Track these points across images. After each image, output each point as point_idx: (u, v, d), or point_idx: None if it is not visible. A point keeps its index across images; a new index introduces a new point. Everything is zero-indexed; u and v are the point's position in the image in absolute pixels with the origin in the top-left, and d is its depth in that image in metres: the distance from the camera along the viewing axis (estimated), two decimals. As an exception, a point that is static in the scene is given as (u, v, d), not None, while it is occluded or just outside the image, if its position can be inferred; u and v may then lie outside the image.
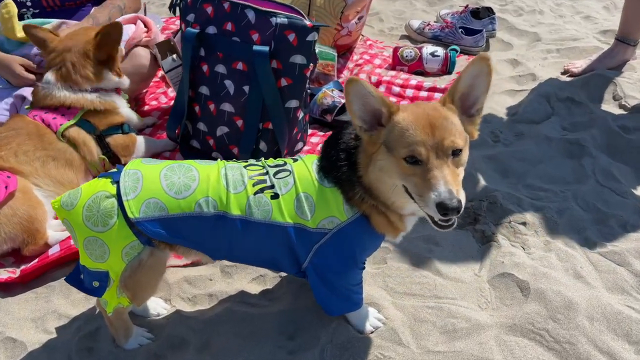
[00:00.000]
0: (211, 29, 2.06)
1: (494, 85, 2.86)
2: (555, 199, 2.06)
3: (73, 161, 2.01)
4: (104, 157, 2.10)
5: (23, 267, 1.77)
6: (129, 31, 2.43)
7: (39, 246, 1.80)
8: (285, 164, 1.40)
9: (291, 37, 1.91)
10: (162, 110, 2.66)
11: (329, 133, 2.43)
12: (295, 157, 1.44)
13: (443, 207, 1.10)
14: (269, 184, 1.35)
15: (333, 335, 1.52)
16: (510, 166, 2.26)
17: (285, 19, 1.90)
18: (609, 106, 2.70)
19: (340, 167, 1.30)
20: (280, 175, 1.36)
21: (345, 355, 1.48)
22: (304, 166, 1.38)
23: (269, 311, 1.61)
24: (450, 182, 1.12)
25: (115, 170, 1.36)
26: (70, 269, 1.76)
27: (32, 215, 1.78)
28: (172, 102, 2.73)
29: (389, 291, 1.68)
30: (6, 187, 1.77)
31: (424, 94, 2.71)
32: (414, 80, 2.80)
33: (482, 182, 2.16)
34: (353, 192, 1.29)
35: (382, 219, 1.32)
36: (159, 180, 1.31)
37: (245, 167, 1.39)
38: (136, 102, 2.65)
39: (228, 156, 2.16)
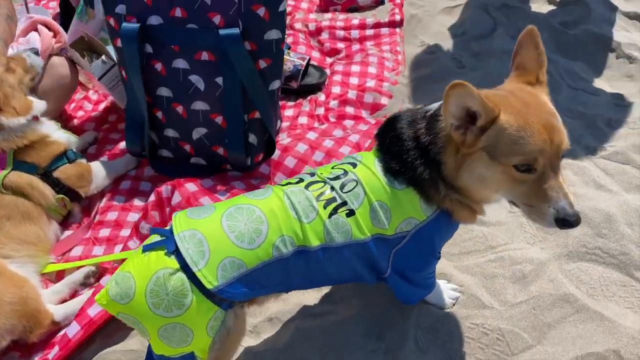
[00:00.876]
0: (154, 19, 1.72)
1: (431, 6, 2.79)
2: (542, 114, 2.11)
3: (29, 212, 1.66)
4: (61, 196, 1.76)
5: None
6: (35, 42, 1.98)
7: (46, 327, 1.50)
8: (345, 172, 1.24)
9: (261, 11, 1.65)
10: (95, 120, 2.27)
11: (300, 102, 2.24)
12: (351, 161, 1.27)
13: (565, 224, 1.04)
14: (339, 201, 1.19)
15: (419, 322, 1.48)
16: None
17: (249, -8, 1.63)
18: (538, 5, 2.77)
19: (416, 167, 1.17)
20: (347, 187, 1.20)
21: (439, 337, 1.45)
22: (368, 170, 1.22)
23: (342, 318, 1.51)
24: (568, 194, 1.05)
25: (158, 237, 1.11)
26: (98, 344, 1.50)
27: (22, 296, 1.46)
28: (101, 107, 2.35)
29: (446, 256, 1.65)
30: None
31: (370, 32, 2.57)
32: (355, 19, 2.64)
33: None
34: (434, 191, 1.17)
35: (467, 211, 1.22)
36: (225, 235, 1.10)
37: (306, 187, 1.21)
38: (61, 119, 2.22)
39: (212, 159, 1.91)
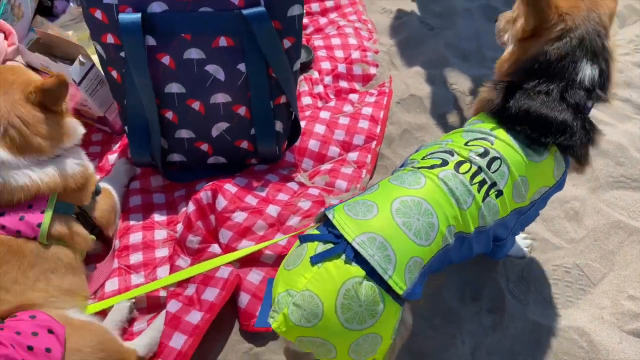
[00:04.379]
0: (156, 6, 1.50)
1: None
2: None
3: (71, 262, 1.38)
4: (93, 237, 1.50)
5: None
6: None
7: None
8: (486, 150, 1.17)
9: (284, -15, 1.52)
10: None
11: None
12: (482, 136, 1.20)
13: None
14: (489, 182, 1.14)
15: (508, 276, 1.51)
16: (463, 47, 2.33)
17: (268, -36, 1.49)
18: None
19: (575, 132, 1.16)
20: (494, 167, 1.15)
21: (531, 284, 1.50)
22: (506, 145, 1.18)
23: (433, 289, 1.49)
24: None
25: (330, 244, 0.99)
26: None
27: (100, 340, 1.22)
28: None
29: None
30: (50, 331, 1.16)
31: (330, 3, 2.50)
32: None
33: (458, 73, 2.19)
34: (586, 154, 1.20)
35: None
36: (404, 235, 1.01)
37: (455, 169, 1.14)
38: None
39: (235, 155, 1.74)
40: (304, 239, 1.02)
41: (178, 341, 1.30)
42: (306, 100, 2.02)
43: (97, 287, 1.50)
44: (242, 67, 1.59)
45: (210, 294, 1.38)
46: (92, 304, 1.44)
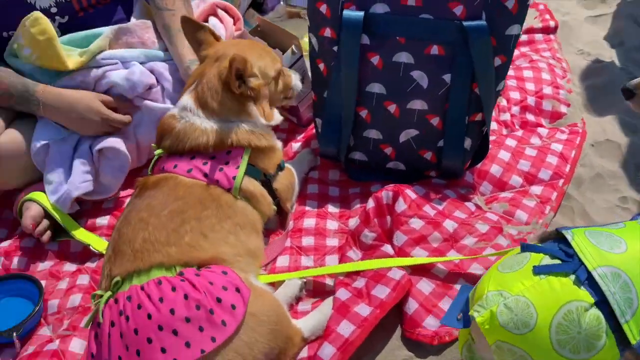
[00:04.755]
0: (379, 8, 1.56)
1: (576, 14, 2.67)
2: None
3: (255, 223, 1.46)
4: (274, 206, 1.57)
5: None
6: (220, 30, 1.80)
7: (297, 346, 1.30)
8: None
9: (510, 3, 1.50)
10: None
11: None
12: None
13: None
14: None
15: None
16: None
17: (502, -20, 1.48)
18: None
19: None
20: None
21: None
22: None
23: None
24: None
25: (558, 260, 0.93)
26: None
27: (276, 313, 1.26)
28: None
29: None
30: (238, 290, 1.22)
31: (524, 37, 2.44)
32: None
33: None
34: None
35: None
36: None
37: None
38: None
39: (415, 164, 1.74)
40: (528, 247, 0.97)
41: (346, 329, 1.29)
42: (492, 125, 1.97)
43: (270, 260, 1.56)
44: (447, 77, 1.58)
45: (381, 291, 1.37)
46: (264, 275, 1.50)
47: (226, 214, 1.38)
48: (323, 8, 1.62)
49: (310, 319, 1.36)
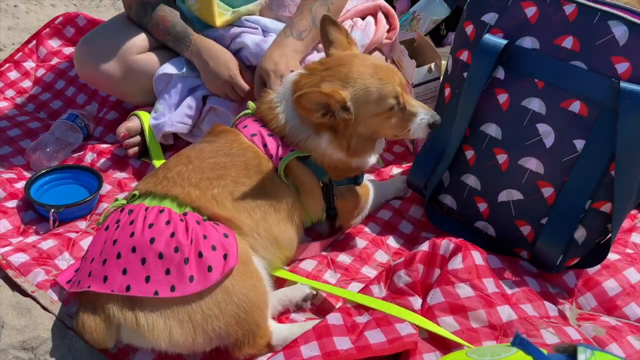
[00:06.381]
0: (527, 42, 1.33)
1: None
2: None
3: (294, 214, 1.34)
4: (324, 212, 1.43)
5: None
6: (369, 32, 1.74)
7: (257, 349, 1.15)
8: None
9: (696, 77, 1.14)
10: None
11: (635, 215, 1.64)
12: None
13: None
14: None
15: None
16: None
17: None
18: None
19: None
20: None
21: None
22: None
23: None
24: None
25: None
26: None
27: (253, 302, 1.13)
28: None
29: None
30: (225, 257, 1.12)
31: None
32: None
33: None
34: None
35: None
36: None
37: None
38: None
39: (507, 235, 1.43)
40: (522, 343, 0.70)
41: (309, 351, 1.09)
42: (636, 237, 1.53)
43: (297, 258, 1.42)
44: (579, 143, 1.27)
45: (374, 336, 1.12)
46: (282, 269, 1.37)
47: (264, 190, 1.29)
48: (469, 29, 1.45)
49: (287, 330, 1.19)
